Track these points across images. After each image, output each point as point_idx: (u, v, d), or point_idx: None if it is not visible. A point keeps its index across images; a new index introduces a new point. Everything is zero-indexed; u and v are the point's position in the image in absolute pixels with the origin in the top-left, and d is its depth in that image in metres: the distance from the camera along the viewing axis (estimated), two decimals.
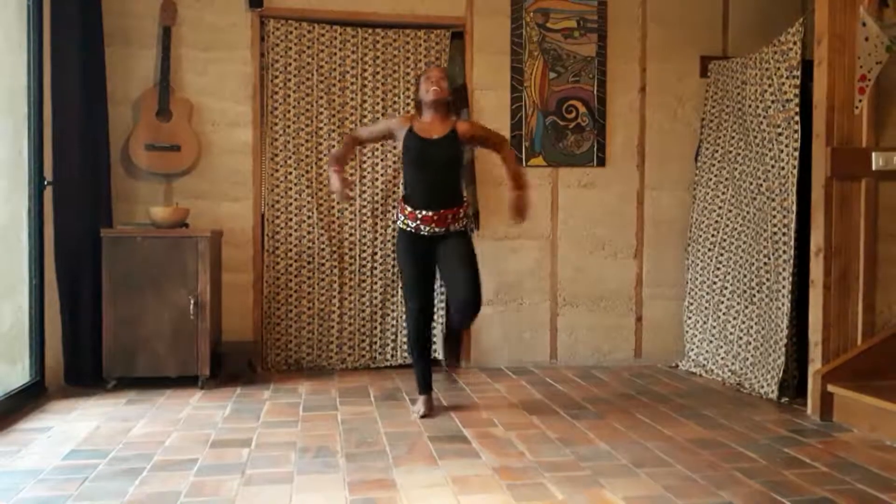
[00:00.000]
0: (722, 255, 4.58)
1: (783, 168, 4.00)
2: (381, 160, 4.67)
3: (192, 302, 4.06)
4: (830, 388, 3.55)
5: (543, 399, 3.96)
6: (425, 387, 3.65)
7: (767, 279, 4.13)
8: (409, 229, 3.54)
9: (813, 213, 3.71)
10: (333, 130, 4.63)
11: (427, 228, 3.50)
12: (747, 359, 4.27)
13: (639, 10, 4.89)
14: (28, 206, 3.93)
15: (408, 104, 4.68)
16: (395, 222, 4.52)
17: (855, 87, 3.60)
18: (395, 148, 4.66)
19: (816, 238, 3.68)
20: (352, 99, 4.66)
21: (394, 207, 4.70)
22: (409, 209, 3.52)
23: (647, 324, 4.96)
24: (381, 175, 4.66)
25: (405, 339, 4.71)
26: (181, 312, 4.06)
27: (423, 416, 3.55)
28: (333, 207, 4.67)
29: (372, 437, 3.24)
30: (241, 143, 4.56)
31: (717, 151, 4.70)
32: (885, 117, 3.70)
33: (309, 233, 4.64)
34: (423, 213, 3.48)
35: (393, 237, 4.69)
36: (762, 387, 4.05)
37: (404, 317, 4.68)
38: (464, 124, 3.66)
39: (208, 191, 4.52)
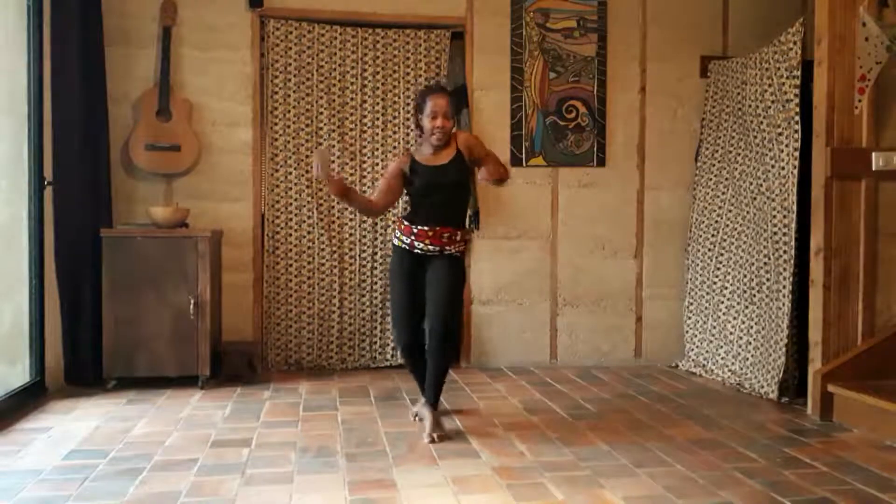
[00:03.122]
0: (722, 254, 4.58)
1: (783, 168, 4.00)
2: (382, 160, 4.67)
3: (192, 302, 4.06)
4: (830, 388, 3.55)
5: (543, 399, 3.96)
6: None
7: (767, 279, 4.13)
8: (403, 245, 3.39)
9: (813, 213, 3.71)
10: (333, 130, 4.63)
11: (420, 245, 3.34)
12: (747, 359, 4.27)
13: (639, 10, 4.89)
14: (28, 206, 3.93)
15: (407, 104, 4.68)
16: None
17: (855, 86, 3.60)
18: (394, 148, 4.67)
19: (816, 238, 3.68)
20: (352, 99, 4.66)
21: (393, 207, 4.70)
22: (406, 223, 3.39)
23: (647, 324, 4.96)
24: (381, 175, 4.65)
25: None
26: (181, 312, 4.06)
27: (416, 417, 3.48)
28: (333, 207, 4.66)
29: (372, 437, 3.24)
30: (241, 142, 4.56)
31: (717, 151, 4.70)
32: (885, 117, 3.70)
33: (309, 233, 4.64)
34: (419, 227, 3.33)
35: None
36: (762, 387, 4.05)
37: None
38: (462, 137, 3.43)
39: (208, 191, 4.52)
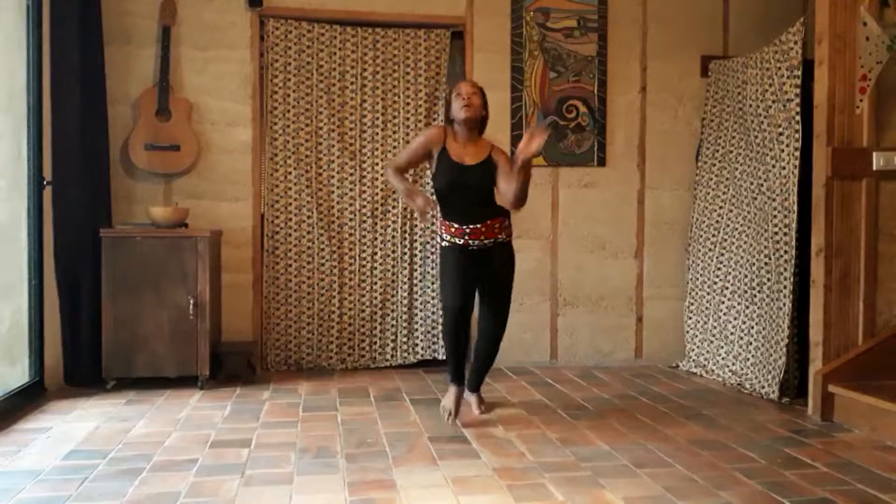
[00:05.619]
0: (723, 254, 4.58)
1: (784, 168, 3.99)
2: (382, 160, 4.66)
3: (191, 302, 4.05)
4: (831, 388, 3.55)
5: (544, 399, 3.96)
6: (456, 376, 3.46)
7: (768, 279, 4.13)
8: (456, 243, 3.39)
9: (814, 213, 3.71)
10: (333, 130, 4.63)
11: (477, 242, 3.37)
12: (748, 359, 4.27)
13: (639, 9, 4.88)
14: (28, 206, 3.93)
15: (407, 104, 4.68)
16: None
17: (856, 86, 3.60)
18: (394, 148, 4.67)
19: (817, 238, 3.67)
20: (352, 99, 4.66)
21: (393, 207, 4.69)
22: (456, 226, 3.37)
23: (648, 324, 4.95)
24: (381, 175, 4.65)
25: (405, 339, 4.71)
26: (181, 312, 4.05)
27: (449, 414, 3.42)
28: (333, 207, 4.66)
29: (372, 438, 3.23)
30: (241, 142, 4.55)
31: (717, 151, 4.69)
32: (886, 117, 3.69)
33: (309, 233, 4.63)
34: (472, 226, 3.35)
35: (393, 237, 4.69)
36: (763, 387, 4.04)
37: (405, 317, 4.69)
38: (500, 155, 3.41)
39: (208, 191, 4.51)
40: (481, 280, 3.46)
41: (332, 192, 4.66)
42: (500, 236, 3.43)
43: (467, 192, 3.35)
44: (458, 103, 3.33)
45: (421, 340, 4.72)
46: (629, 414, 3.67)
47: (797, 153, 3.89)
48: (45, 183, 3.97)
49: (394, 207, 4.70)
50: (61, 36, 3.98)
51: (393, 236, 4.70)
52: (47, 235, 3.99)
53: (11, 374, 3.81)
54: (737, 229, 4.46)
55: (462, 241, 3.38)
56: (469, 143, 3.38)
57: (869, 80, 3.58)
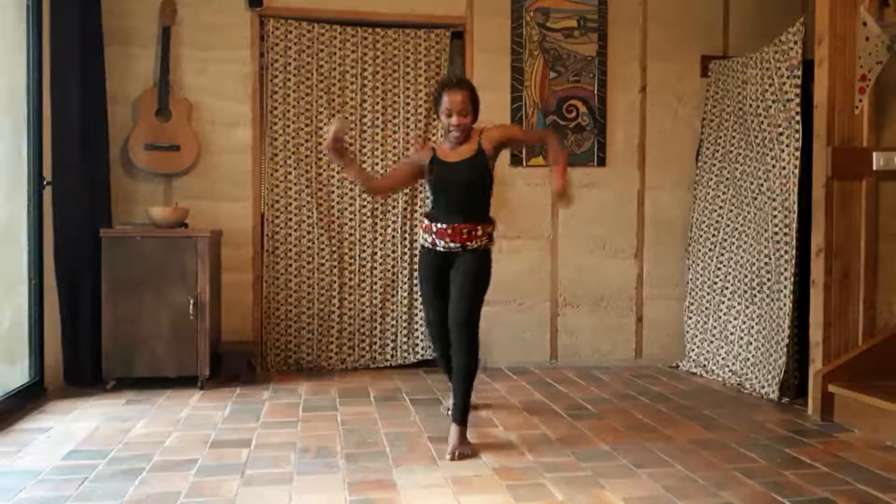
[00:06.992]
0: (723, 255, 4.58)
1: (784, 168, 3.99)
2: (381, 159, 4.67)
3: (191, 302, 4.05)
4: (831, 388, 3.55)
5: (544, 399, 3.96)
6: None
7: (768, 279, 4.13)
8: (426, 245, 3.30)
9: (814, 213, 3.71)
10: None
11: (442, 243, 3.22)
12: (748, 359, 4.27)
13: (639, 9, 4.88)
14: (27, 206, 3.92)
15: (407, 104, 4.68)
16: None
17: (855, 86, 3.60)
18: (394, 148, 4.67)
19: (817, 238, 3.68)
20: (352, 99, 4.66)
21: (393, 207, 4.70)
22: (427, 222, 3.29)
23: (648, 324, 4.95)
24: (381, 175, 4.65)
25: (405, 339, 4.71)
26: (181, 312, 4.05)
27: (448, 411, 3.37)
28: (333, 207, 4.66)
29: (372, 438, 3.23)
30: (241, 142, 4.55)
31: (717, 151, 4.69)
32: (885, 117, 3.70)
33: (309, 233, 4.63)
34: (438, 226, 3.22)
35: (393, 237, 4.70)
36: (763, 387, 4.04)
37: (405, 317, 4.70)
38: (491, 133, 3.25)
39: (208, 191, 4.51)
40: (451, 286, 3.24)
41: (332, 192, 4.66)
42: (468, 244, 3.21)
43: (457, 188, 3.23)
44: (445, 120, 3.19)
45: (421, 340, 4.72)
46: (629, 414, 3.67)
47: (797, 153, 3.89)
48: (45, 183, 3.97)
49: (394, 207, 4.70)
50: (61, 36, 3.98)
51: (393, 236, 4.70)
52: (47, 235, 3.99)
53: (11, 374, 3.81)
54: (737, 229, 4.46)
55: (430, 238, 3.26)
56: (457, 144, 3.24)
57: (868, 80, 3.58)
